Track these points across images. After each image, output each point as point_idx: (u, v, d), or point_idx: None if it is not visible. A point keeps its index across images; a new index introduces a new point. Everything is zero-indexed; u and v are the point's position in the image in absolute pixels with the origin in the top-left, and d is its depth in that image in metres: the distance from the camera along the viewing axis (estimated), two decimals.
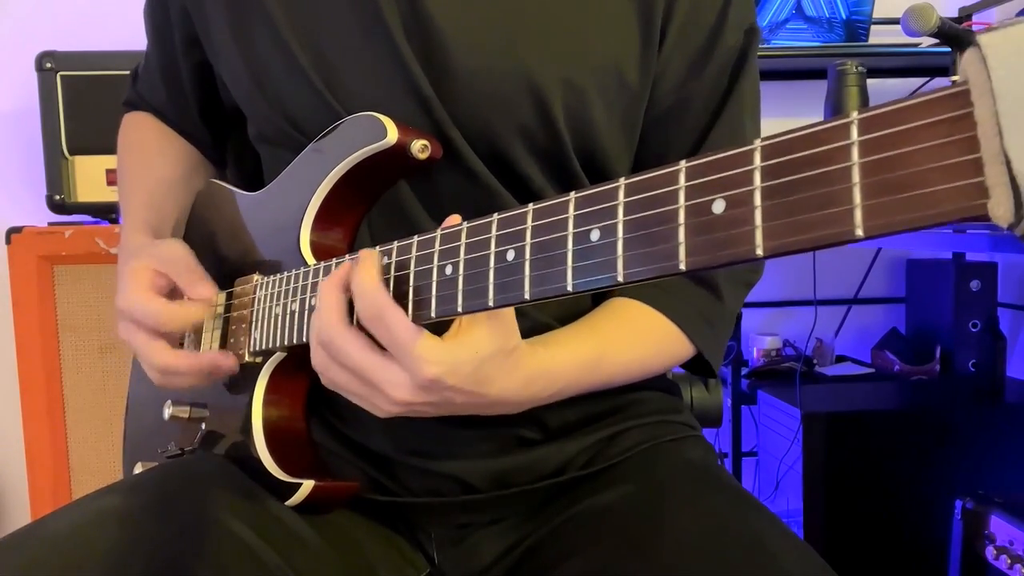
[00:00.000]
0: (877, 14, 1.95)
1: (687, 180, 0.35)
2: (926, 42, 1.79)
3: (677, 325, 0.69)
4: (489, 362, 0.54)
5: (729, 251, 0.32)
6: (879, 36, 1.99)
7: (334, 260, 0.60)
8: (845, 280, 2.17)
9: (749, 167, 0.32)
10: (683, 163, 0.35)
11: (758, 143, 0.32)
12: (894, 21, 1.51)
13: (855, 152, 0.28)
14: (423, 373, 0.52)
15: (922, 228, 0.27)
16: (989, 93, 0.25)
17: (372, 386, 0.55)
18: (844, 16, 1.93)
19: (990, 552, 1.29)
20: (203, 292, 0.70)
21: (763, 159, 0.31)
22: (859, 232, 0.28)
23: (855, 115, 0.29)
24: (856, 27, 1.94)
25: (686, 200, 0.34)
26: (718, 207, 0.33)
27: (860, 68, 1.61)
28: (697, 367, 0.74)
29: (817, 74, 1.79)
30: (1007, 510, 1.28)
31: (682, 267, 0.34)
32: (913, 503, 1.62)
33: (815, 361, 2.05)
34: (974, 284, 1.89)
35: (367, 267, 0.53)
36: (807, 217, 0.29)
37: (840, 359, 2.12)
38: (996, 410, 1.70)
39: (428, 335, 0.52)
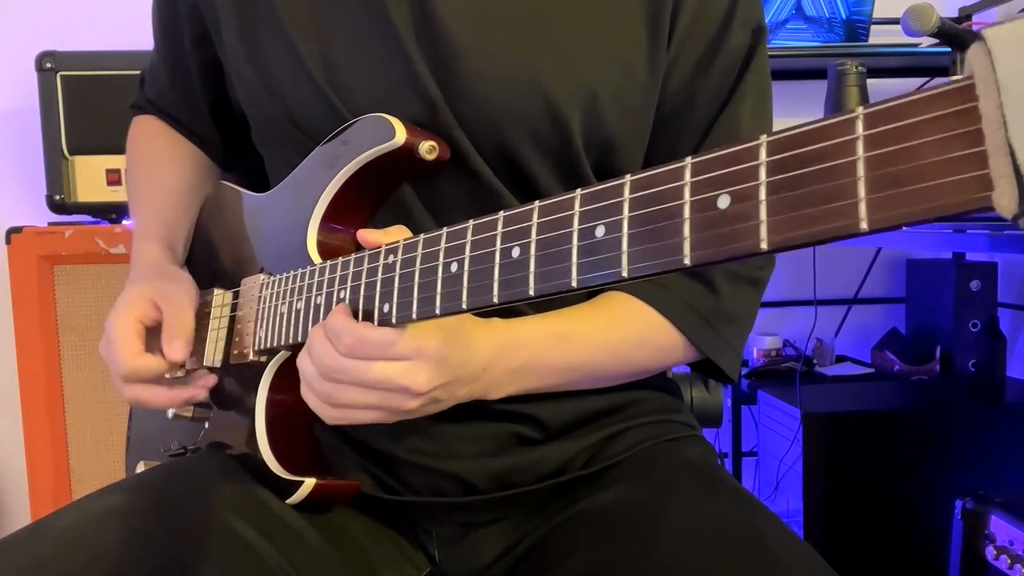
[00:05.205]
0: (877, 14, 1.95)
1: (692, 176, 0.35)
2: (926, 42, 1.79)
3: (660, 312, 0.68)
4: (464, 327, 0.58)
5: (733, 245, 0.32)
6: (879, 36, 1.99)
7: (340, 259, 0.61)
8: (845, 280, 2.17)
9: (755, 162, 0.32)
10: (688, 159, 0.35)
11: (764, 139, 0.32)
12: (894, 21, 1.52)
13: (860, 147, 0.29)
14: (424, 345, 0.55)
15: (926, 221, 0.27)
16: (994, 86, 0.25)
17: (388, 391, 0.56)
18: (844, 16, 1.94)
19: (990, 552, 1.29)
20: (174, 354, 0.70)
21: (769, 154, 0.32)
22: (863, 225, 0.28)
23: (860, 110, 0.29)
24: (856, 27, 1.94)
25: (691, 196, 0.35)
26: (723, 202, 0.33)
27: (860, 68, 1.62)
28: (708, 370, 0.73)
29: (817, 74, 1.79)
30: (1007, 510, 1.28)
31: (686, 262, 0.34)
32: (913, 503, 1.62)
33: (815, 361, 2.05)
34: (974, 284, 1.89)
35: (335, 314, 0.56)
36: (811, 211, 0.30)
37: (840, 359, 2.12)
38: (996, 410, 1.70)
39: (408, 326, 0.54)
